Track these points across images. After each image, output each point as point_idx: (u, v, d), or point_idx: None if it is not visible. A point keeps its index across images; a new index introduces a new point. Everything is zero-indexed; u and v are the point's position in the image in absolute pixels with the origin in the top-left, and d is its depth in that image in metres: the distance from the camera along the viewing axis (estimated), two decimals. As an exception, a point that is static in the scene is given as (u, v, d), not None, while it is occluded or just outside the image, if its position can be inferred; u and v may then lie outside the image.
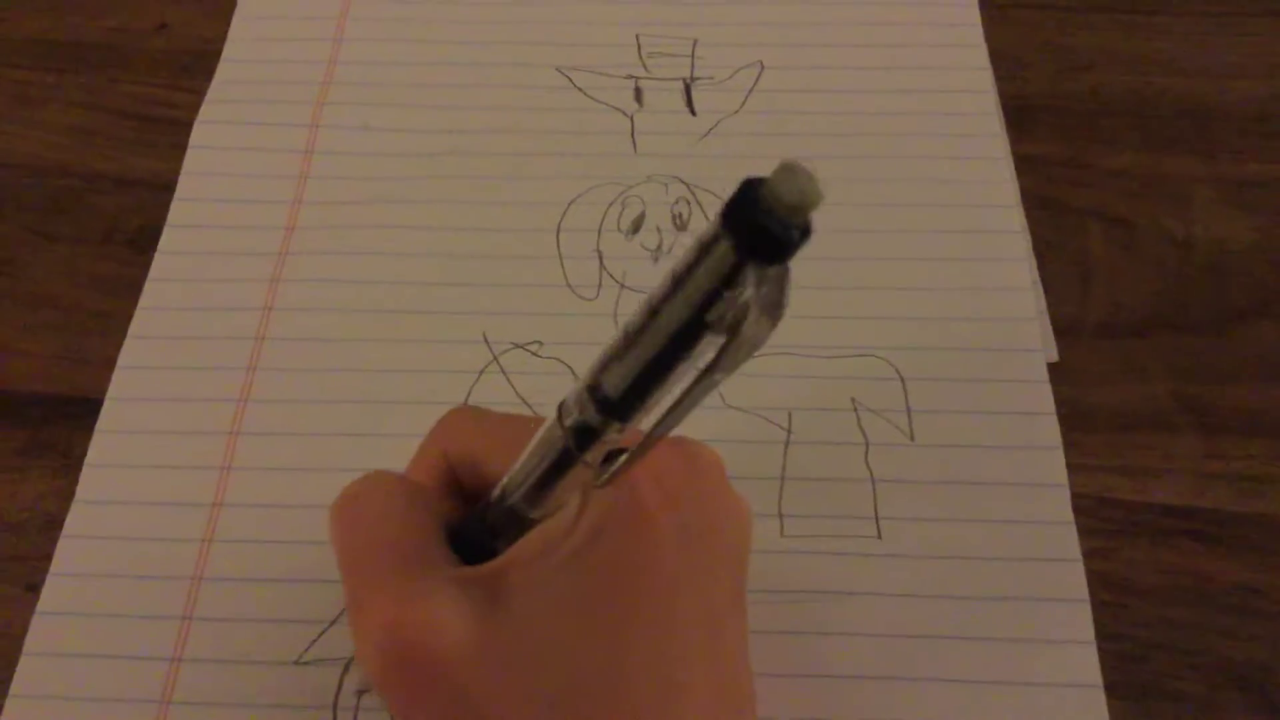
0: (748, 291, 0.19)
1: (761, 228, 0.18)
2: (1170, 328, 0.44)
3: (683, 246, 0.45)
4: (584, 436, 0.23)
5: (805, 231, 0.18)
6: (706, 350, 0.20)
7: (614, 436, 0.23)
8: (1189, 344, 0.43)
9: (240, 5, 0.54)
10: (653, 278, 0.45)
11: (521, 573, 0.26)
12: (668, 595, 0.26)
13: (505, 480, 0.26)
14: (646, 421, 0.22)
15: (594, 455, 0.23)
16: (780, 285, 0.19)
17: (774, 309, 0.19)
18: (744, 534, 0.29)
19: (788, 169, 0.17)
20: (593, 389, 0.22)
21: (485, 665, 0.24)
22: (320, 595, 0.38)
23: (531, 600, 0.25)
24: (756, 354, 0.20)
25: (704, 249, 0.19)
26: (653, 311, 0.20)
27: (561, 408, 0.23)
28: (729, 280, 0.18)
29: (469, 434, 0.30)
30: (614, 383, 0.21)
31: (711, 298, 0.19)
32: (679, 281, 0.19)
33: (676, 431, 0.23)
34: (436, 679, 0.25)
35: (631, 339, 0.21)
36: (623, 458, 0.24)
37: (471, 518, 0.28)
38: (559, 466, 0.24)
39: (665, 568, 0.26)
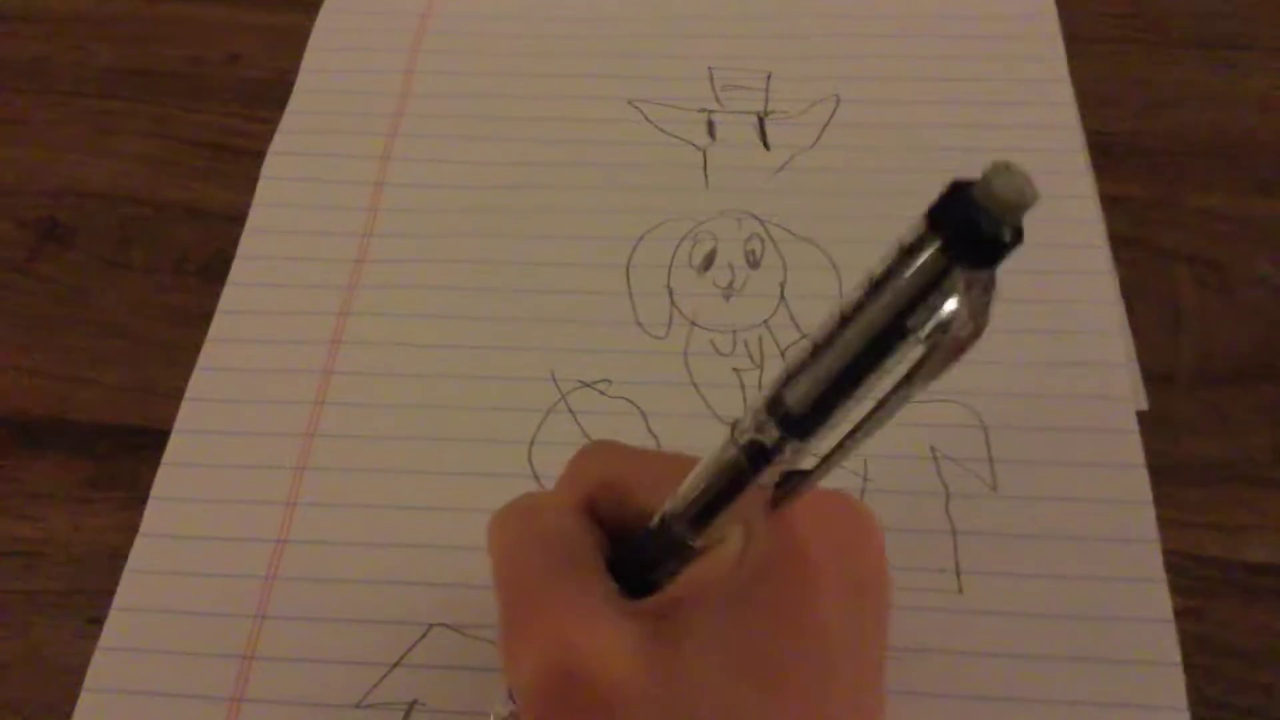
0: (955, 296, 0.18)
1: (974, 227, 0.17)
2: (1265, 377, 0.42)
3: (755, 284, 0.45)
4: (760, 456, 0.22)
5: (1018, 233, 0.17)
6: (899, 362, 0.19)
7: (790, 457, 0.22)
8: (1285, 394, 0.42)
9: (313, 36, 0.54)
10: (724, 315, 0.44)
11: (685, 611, 0.25)
12: (826, 651, 0.25)
13: (668, 506, 0.25)
14: (829, 440, 0.22)
15: (769, 476, 0.23)
16: (987, 291, 0.18)
17: (980, 315, 0.18)
18: (889, 597, 0.28)
19: (1001, 168, 0.17)
20: (773, 404, 0.21)
21: (644, 703, 0.24)
22: (383, 637, 0.37)
23: (693, 641, 0.25)
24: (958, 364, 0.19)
25: (907, 250, 0.18)
26: (845, 319, 0.19)
27: (735, 426, 0.23)
28: (935, 283, 0.18)
29: (613, 465, 0.29)
30: (799, 397, 0.21)
31: (915, 302, 0.18)
32: (877, 286, 0.18)
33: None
34: (594, 708, 0.24)
35: (821, 348, 0.20)
36: (803, 476, 0.23)
37: (627, 545, 0.27)
38: (729, 488, 0.23)
39: (826, 621, 0.25)
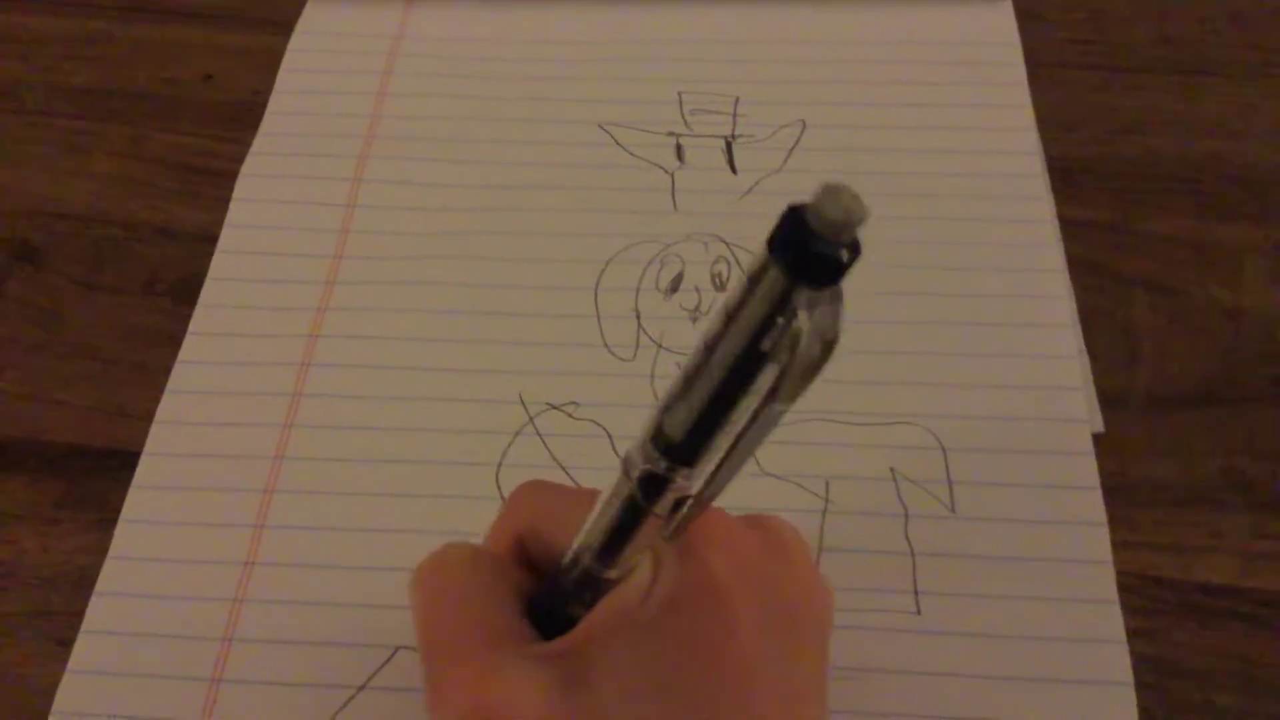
0: (800, 316, 0.19)
1: (807, 249, 0.18)
2: (1219, 401, 0.43)
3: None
4: (651, 486, 0.23)
5: (853, 250, 0.18)
6: (767, 382, 0.20)
7: (682, 484, 0.23)
8: (1238, 418, 0.42)
9: (287, 58, 0.55)
10: (691, 339, 0.44)
11: (597, 648, 0.25)
12: (745, 678, 0.25)
13: (577, 541, 0.26)
14: (712, 464, 0.22)
15: (663, 505, 0.23)
16: (834, 308, 0.19)
17: (829, 333, 0.19)
18: (826, 616, 0.28)
19: (829, 189, 0.17)
20: (656, 435, 0.22)
21: None
22: (350, 659, 0.37)
23: (607, 678, 0.25)
24: (811, 388, 0.20)
25: (754, 278, 0.19)
26: (709, 348, 0.20)
27: (627, 459, 0.23)
28: (780, 306, 0.19)
29: (536, 507, 0.30)
30: (676, 425, 0.22)
31: (765, 326, 0.19)
32: (732, 314, 0.19)
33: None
34: None
35: (690, 378, 0.21)
36: (690, 502, 0.23)
37: (546, 586, 0.28)
38: (629, 520, 0.24)
39: (742, 648, 0.25)
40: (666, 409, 0.22)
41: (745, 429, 0.21)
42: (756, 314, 0.19)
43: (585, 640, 0.26)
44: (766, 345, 0.19)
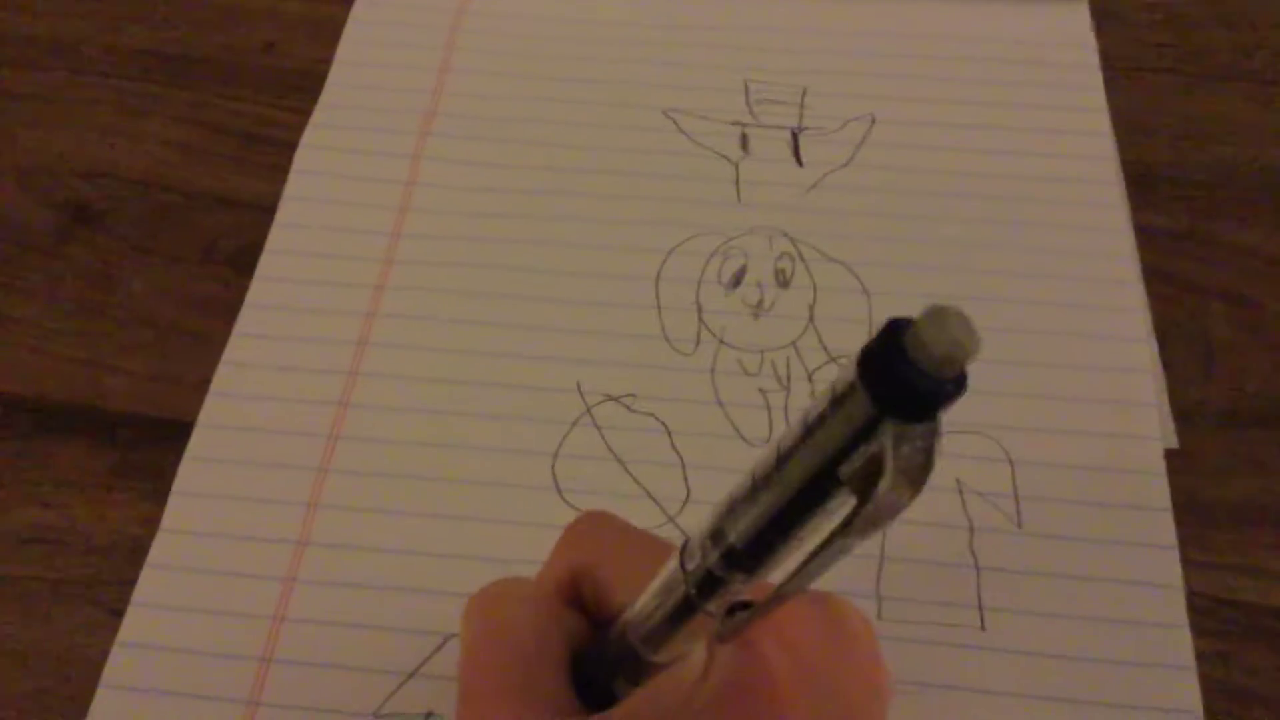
0: (886, 451, 0.16)
1: (903, 380, 0.15)
2: (1297, 419, 0.42)
3: (784, 304, 0.44)
4: (707, 584, 0.21)
5: (958, 385, 0.15)
6: (842, 505, 0.18)
7: (740, 587, 0.21)
8: (1316, 438, 0.41)
9: (348, 28, 0.54)
10: (752, 335, 0.44)
11: None
12: None
13: (626, 615, 0.25)
14: (775, 575, 0.20)
15: (717, 605, 0.22)
16: (926, 444, 0.16)
17: (917, 471, 0.16)
18: (882, 712, 0.26)
19: (937, 313, 0.15)
20: (716, 536, 0.20)
21: None
22: (402, 645, 0.37)
23: None
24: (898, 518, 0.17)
25: (839, 396, 0.17)
26: (781, 458, 0.18)
27: (684, 550, 0.22)
28: (864, 434, 0.16)
29: (596, 546, 0.28)
30: (740, 532, 0.20)
31: (845, 451, 0.17)
32: (810, 428, 0.17)
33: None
34: None
35: (758, 486, 0.19)
36: (747, 613, 0.22)
37: (592, 648, 0.27)
38: (680, 613, 0.23)
39: None
40: (729, 510, 0.20)
41: (813, 554, 0.19)
42: (837, 436, 0.17)
43: None
44: (844, 472, 0.17)
